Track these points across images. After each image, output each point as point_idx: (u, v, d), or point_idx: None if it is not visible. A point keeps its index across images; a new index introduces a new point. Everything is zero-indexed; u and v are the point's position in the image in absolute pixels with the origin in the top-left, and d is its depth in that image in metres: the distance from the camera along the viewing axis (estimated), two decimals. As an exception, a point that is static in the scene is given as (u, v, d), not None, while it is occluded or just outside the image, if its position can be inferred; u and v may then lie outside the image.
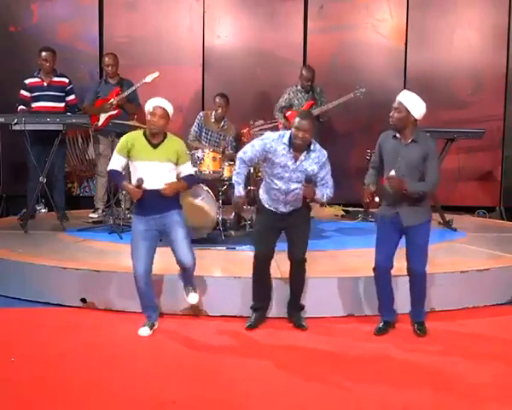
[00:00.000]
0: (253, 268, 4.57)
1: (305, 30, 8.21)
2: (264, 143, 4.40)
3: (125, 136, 4.47)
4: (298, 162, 4.35)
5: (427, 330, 4.51)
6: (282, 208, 4.50)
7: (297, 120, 4.29)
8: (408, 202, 4.30)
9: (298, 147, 4.31)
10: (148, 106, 4.36)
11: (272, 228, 4.54)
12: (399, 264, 4.51)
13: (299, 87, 7.13)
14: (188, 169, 4.52)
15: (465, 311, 5.00)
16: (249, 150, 4.47)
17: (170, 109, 4.38)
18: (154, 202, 4.34)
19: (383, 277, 4.49)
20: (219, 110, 6.69)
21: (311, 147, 4.38)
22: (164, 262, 4.76)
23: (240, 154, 4.53)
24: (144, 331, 4.45)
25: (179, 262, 4.48)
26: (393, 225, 4.39)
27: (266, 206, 4.55)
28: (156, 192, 4.33)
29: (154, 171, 4.33)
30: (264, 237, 4.54)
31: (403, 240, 4.46)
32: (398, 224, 4.37)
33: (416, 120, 4.29)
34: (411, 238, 4.39)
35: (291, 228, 4.53)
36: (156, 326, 4.54)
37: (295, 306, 4.68)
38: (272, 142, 4.37)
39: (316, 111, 6.96)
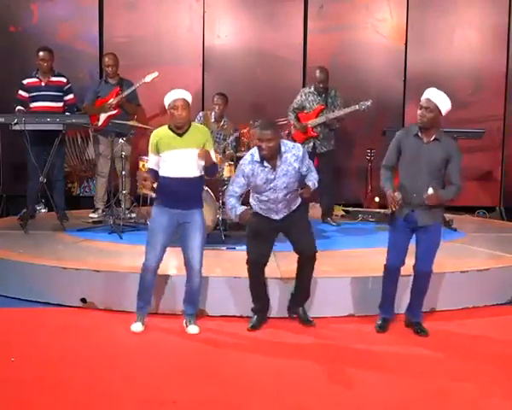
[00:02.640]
0: (247, 272, 4.56)
1: (305, 30, 8.20)
2: (241, 170, 4.38)
3: (152, 134, 4.47)
4: (277, 169, 4.35)
5: (427, 330, 4.51)
6: (275, 216, 4.50)
7: (258, 131, 4.28)
8: (424, 203, 4.25)
9: (268, 157, 4.30)
10: (168, 100, 4.34)
11: (266, 233, 4.51)
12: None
13: (312, 89, 6.94)
14: (213, 157, 4.46)
15: (465, 311, 5.00)
16: (235, 185, 4.42)
17: (189, 98, 4.38)
18: (180, 192, 4.33)
19: (393, 275, 4.49)
20: (217, 108, 6.71)
21: (282, 149, 4.35)
22: (165, 262, 4.76)
23: (228, 194, 4.47)
24: (137, 327, 4.46)
25: (187, 264, 4.47)
26: (407, 224, 4.36)
27: (259, 211, 4.54)
28: (183, 181, 4.34)
29: (182, 158, 4.34)
30: (257, 243, 4.51)
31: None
32: (412, 222, 4.34)
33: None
34: (424, 237, 4.36)
35: (290, 228, 4.52)
36: (146, 318, 4.54)
37: (300, 301, 4.66)
38: (248, 165, 4.35)
39: (321, 119, 6.81)
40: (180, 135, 4.37)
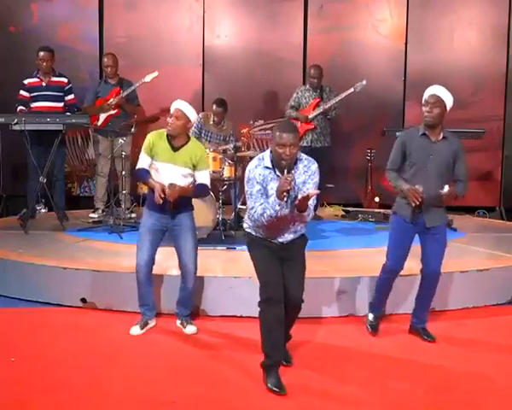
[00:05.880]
0: (260, 313, 3.73)
1: (305, 30, 8.22)
2: (253, 179, 3.64)
3: (148, 135, 4.43)
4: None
5: (434, 336, 4.43)
6: (278, 239, 3.75)
7: (277, 134, 3.53)
8: (433, 203, 4.17)
9: (286, 166, 3.54)
10: (171, 108, 4.34)
11: (275, 259, 3.75)
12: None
13: (307, 86, 7.23)
14: (203, 177, 4.40)
15: (465, 311, 5.00)
16: (256, 198, 3.63)
17: (188, 111, 4.33)
18: (168, 204, 4.30)
19: (391, 278, 4.41)
20: (216, 118, 6.70)
21: (298, 156, 3.68)
22: (164, 262, 4.77)
23: (257, 211, 3.60)
24: (135, 330, 4.45)
25: (182, 266, 4.46)
26: (413, 226, 4.24)
27: (260, 236, 3.79)
28: None
29: (172, 174, 4.32)
30: (272, 275, 3.69)
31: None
32: (419, 225, 4.22)
33: None
34: (432, 239, 4.25)
35: (288, 262, 3.78)
36: (151, 325, 4.54)
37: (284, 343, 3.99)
38: (256, 169, 3.64)
39: (318, 110, 6.99)
40: (174, 149, 4.33)
